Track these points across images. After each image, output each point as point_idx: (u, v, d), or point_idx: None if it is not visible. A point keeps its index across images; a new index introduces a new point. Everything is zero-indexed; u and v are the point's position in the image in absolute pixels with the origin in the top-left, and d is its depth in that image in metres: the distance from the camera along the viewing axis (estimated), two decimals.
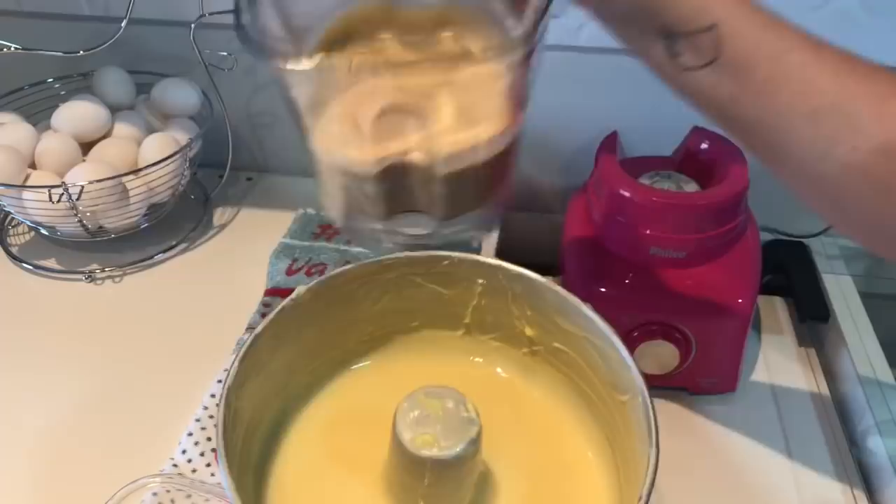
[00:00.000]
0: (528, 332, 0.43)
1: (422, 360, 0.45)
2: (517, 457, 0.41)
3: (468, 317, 0.45)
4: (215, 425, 0.34)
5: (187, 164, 0.62)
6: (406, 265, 0.43)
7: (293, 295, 0.41)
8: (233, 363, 0.37)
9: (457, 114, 0.32)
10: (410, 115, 0.33)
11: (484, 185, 0.35)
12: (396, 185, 0.35)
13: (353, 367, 0.45)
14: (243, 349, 0.38)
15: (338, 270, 0.42)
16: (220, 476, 0.33)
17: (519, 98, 0.34)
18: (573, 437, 0.42)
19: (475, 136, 0.33)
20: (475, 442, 0.36)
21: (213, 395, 0.49)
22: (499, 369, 0.46)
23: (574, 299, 0.40)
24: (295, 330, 0.41)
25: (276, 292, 0.57)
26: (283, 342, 0.41)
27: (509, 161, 0.35)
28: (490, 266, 0.42)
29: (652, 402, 0.35)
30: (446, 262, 0.43)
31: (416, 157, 0.33)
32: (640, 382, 0.36)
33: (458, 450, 0.36)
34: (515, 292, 0.43)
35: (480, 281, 0.43)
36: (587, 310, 0.39)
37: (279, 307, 0.40)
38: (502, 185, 0.36)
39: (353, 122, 0.33)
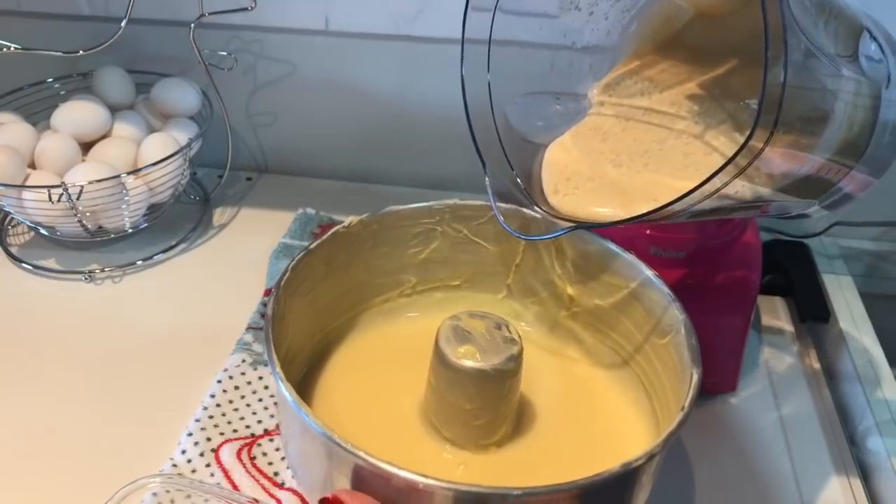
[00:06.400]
0: (570, 290, 0.43)
1: None
2: (555, 405, 0.42)
3: (511, 277, 0.45)
4: (262, 315, 0.35)
5: (187, 164, 0.62)
6: (451, 211, 0.44)
7: (345, 222, 0.42)
8: (286, 269, 0.38)
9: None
10: None
11: None
12: None
13: (395, 316, 0.46)
14: (295, 260, 0.39)
15: (390, 207, 0.43)
16: (271, 371, 0.33)
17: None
18: (611, 393, 0.43)
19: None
20: (515, 359, 0.37)
21: (212, 396, 0.49)
22: (536, 334, 0.46)
23: (617, 247, 0.40)
24: (345, 260, 0.42)
25: None
26: (333, 270, 0.41)
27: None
28: (536, 219, 0.43)
29: (693, 329, 0.35)
30: (492, 214, 0.43)
31: None
32: (682, 316, 0.36)
33: (498, 362, 0.36)
34: (559, 246, 0.43)
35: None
36: (630, 256, 0.40)
37: (332, 231, 0.41)
38: None
39: None
